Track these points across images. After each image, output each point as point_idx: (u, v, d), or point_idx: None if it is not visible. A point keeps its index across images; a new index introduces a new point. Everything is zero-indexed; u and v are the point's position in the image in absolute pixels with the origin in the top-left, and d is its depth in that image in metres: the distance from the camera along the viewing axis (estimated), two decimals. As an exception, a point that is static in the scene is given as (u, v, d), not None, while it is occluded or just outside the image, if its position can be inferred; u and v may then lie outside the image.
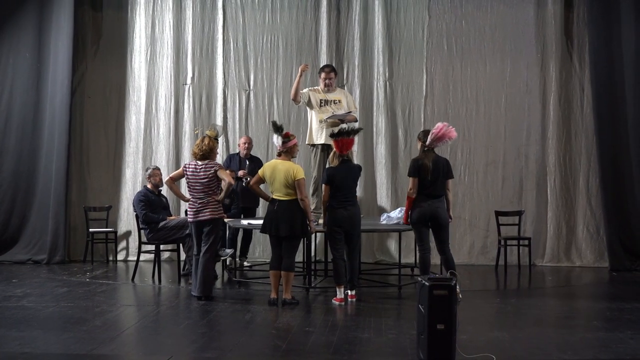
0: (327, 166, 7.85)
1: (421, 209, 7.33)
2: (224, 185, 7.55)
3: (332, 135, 7.63)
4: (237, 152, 9.77)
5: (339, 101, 8.59)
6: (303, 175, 7.35)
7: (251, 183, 7.69)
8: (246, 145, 9.62)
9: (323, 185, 7.50)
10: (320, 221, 8.38)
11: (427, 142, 7.35)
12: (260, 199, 8.27)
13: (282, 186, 7.29)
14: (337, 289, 7.42)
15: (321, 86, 8.63)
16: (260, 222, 7.62)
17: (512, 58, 10.41)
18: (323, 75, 8.61)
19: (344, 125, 8.10)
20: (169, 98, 10.65)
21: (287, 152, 7.47)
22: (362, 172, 8.08)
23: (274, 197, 7.39)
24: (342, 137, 7.48)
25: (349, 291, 7.46)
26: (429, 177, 7.30)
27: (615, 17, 9.91)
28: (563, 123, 10.30)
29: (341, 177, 7.39)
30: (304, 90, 8.67)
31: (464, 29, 10.45)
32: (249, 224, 8.47)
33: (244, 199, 9.33)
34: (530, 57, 10.36)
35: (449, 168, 7.49)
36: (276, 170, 7.35)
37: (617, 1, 9.92)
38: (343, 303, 7.35)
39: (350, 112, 8.51)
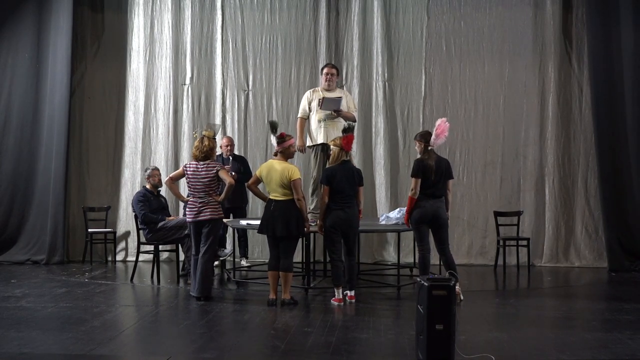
0: (327, 166, 7.78)
1: (423, 209, 7.33)
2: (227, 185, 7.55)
3: (345, 131, 7.61)
4: (220, 152, 9.66)
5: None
6: (299, 175, 7.33)
7: (249, 183, 7.67)
8: (228, 147, 9.54)
9: (322, 186, 7.48)
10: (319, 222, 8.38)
11: (432, 142, 7.35)
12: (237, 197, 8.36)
13: (278, 186, 7.30)
14: (336, 290, 7.42)
15: (322, 83, 8.62)
16: (259, 222, 7.63)
17: (511, 59, 10.41)
18: (325, 70, 8.60)
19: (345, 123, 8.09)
20: (167, 98, 10.65)
21: (283, 152, 7.47)
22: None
23: (270, 197, 7.41)
24: (350, 133, 7.52)
25: (347, 292, 7.46)
26: (433, 177, 7.31)
27: (613, 18, 9.91)
28: (562, 124, 10.31)
29: (340, 178, 7.38)
30: (303, 104, 8.65)
31: (462, 30, 10.45)
32: (247, 224, 8.47)
33: (232, 198, 9.22)
34: (529, 58, 10.36)
35: (449, 168, 7.52)
36: (272, 170, 7.36)
37: (615, 2, 9.91)
38: (342, 303, 7.35)
39: (340, 97, 8.46)
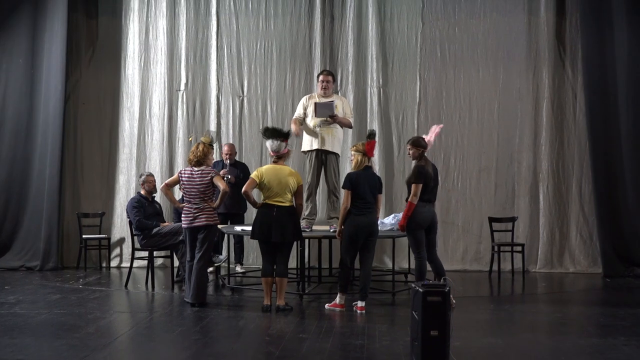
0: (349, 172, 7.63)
1: (422, 214, 7.35)
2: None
3: (370, 136, 7.56)
4: (221, 159, 9.67)
5: (335, 106, 8.55)
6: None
7: (246, 188, 7.44)
8: (227, 156, 9.49)
9: (344, 190, 7.33)
10: (317, 227, 8.39)
11: (428, 139, 7.49)
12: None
13: (286, 192, 7.29)
14: (340, 295, 7.38)
15: (318, 90, 8.62)
16: None
17: (505, 65, 10.44)
18: (321, 77, 8.59)
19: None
20: (162, 104, 10.65)
21: (284, 157, 7.49)
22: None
23: (270, 202, 7.33)
24: (373, 139, 7.50)
25: (358, 302, 7.33)
26: (431, 183, 7.37)
27: (607, 24, 9.95)
28: (556, 129, 10.33)
29: (363, 183, 7.30)
30: (299, 110, 8.61)
31: (457, 36, 10.48)
32: (242, 230, 8.46)
33: (230, 204, 9.27)
34: (523, 64, 10.39)
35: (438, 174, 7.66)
36: (279, 175, 7.32)
37: (609, 8, 9.95)
38: (344, 309, 7.32)
39: (332, 101, 8.45)
